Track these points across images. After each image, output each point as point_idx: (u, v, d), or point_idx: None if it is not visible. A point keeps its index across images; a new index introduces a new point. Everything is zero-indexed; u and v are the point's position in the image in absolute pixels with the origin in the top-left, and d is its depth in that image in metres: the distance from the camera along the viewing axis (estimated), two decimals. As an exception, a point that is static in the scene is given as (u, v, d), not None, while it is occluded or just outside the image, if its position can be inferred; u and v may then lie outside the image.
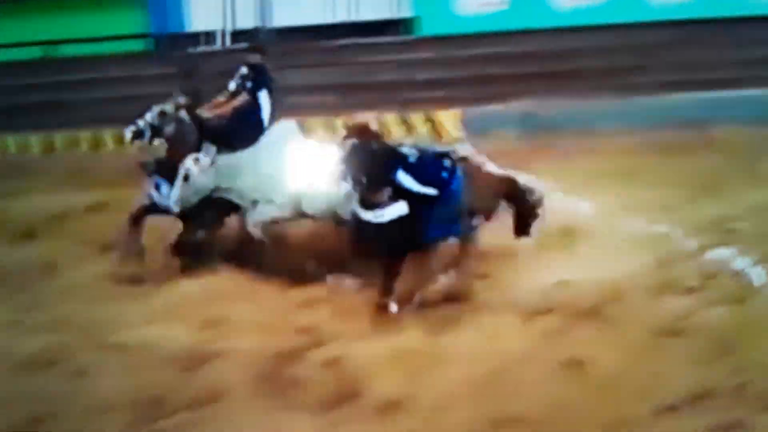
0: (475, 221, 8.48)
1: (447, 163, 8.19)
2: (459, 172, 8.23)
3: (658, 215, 10.32)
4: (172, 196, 9.47)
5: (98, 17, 14.35)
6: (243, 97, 9.86)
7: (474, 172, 8.49)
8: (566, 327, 8.03)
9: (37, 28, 14.31)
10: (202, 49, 14.33)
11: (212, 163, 9.51)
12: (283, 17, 13.89)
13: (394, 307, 8.31)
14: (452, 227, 8.26)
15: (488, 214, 8.64)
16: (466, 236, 8.55)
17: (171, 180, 9.43)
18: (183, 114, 9.80)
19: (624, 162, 12.22)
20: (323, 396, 7.64)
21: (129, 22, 14.76)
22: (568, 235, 9.95)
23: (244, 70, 10.08)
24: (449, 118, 13.71)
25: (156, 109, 9.73)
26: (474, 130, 13.41)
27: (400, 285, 8.62)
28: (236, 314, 9.11)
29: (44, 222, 11.47)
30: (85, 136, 14.09)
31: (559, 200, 10.76)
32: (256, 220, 9.51)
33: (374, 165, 8.08)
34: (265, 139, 9.77)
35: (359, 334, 8.49)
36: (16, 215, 11.71)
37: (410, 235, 8.10)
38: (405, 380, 7.75)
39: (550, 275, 8.88)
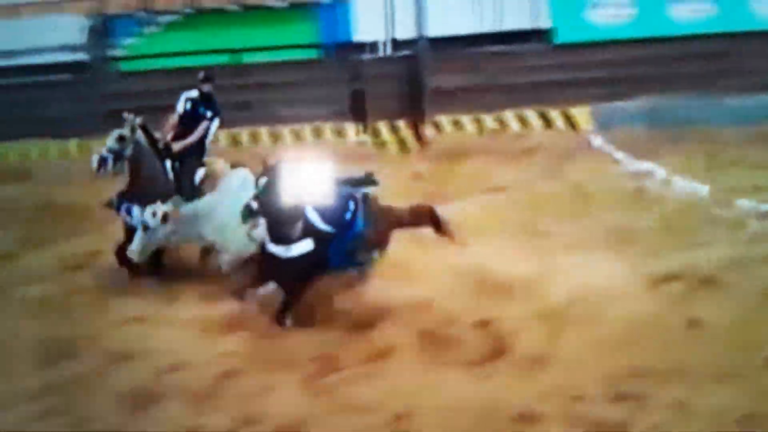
0: (373, 253, 8.62)
1: (351, 205, 8.39)
2: (361, 215, 8.42)
3: (766, 196, 10.61)
4: (133, 246, 9.12)
5: (277, 29, 14.98)
6: (204, 125, 9.83)
7: (378, 210, 8.65)
8: (689, 292, 8.43)
9: (225, 38, 14.99)
10: (366, 56, 14.72)
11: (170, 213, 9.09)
12: (437, 28, 14.18)
13: (289, 323, 8.43)
14: (351, 260, 8.45)
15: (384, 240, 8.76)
16: (362, 267, 8.65)
17: (140, 202, 9.13)
18: (139, 135, 9.52)
19: (735, 151, 12.58)
20: (476, 353, 8.02)
21: (303, 33, 15.25)
22: (688, 215, 10.38)
23: (193, 94, 9.93)
24: (582, 114, 14.04)
25: (115, 133, 9.44)
26: (604, 124, 13.86)
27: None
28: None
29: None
30: (265, 131, 14.37)
31: (681, 185, 11.29)
32: (224, 259, 9.21)
33: (289, 201, 8.23)
34: (223, 187, 9.39)
35: (506, 299, 8.68)
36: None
37: (315, 264, 8.33)
38: (547, 339, 8.11)
39: (674, 248, 9.29)
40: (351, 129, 14.14)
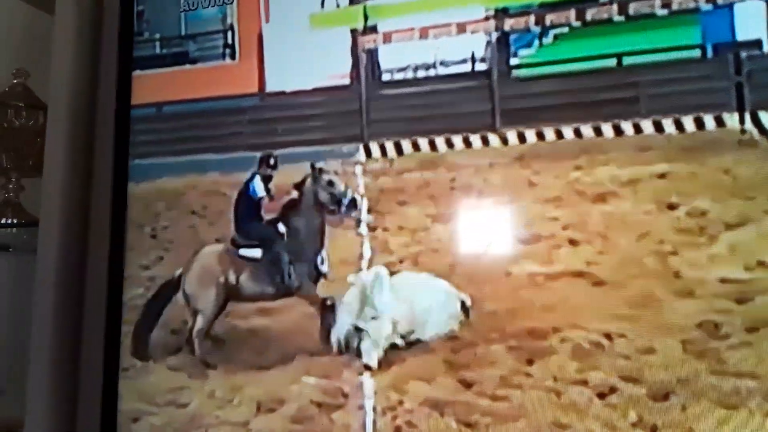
0: None
1: None
2: None
3: None
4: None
5: (659, 33, 15.21)
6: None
7: None
8: None
9: (608, 45, 15.42)
10: (748, 53, 14.56)
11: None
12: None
13: None
14: None
15: None
16: None
17: None
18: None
19: None
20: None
21: (685, 36, 15.43)
22: None
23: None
24: None
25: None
26: None
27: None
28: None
29: (622, 183, 12.45)
30: (649, 123, 14.99)
31: None
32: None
33: None
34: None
35: None
36: (595, 180, 12.80)
37: None
38: None
39: None
40: (733, 119, 13.48)
